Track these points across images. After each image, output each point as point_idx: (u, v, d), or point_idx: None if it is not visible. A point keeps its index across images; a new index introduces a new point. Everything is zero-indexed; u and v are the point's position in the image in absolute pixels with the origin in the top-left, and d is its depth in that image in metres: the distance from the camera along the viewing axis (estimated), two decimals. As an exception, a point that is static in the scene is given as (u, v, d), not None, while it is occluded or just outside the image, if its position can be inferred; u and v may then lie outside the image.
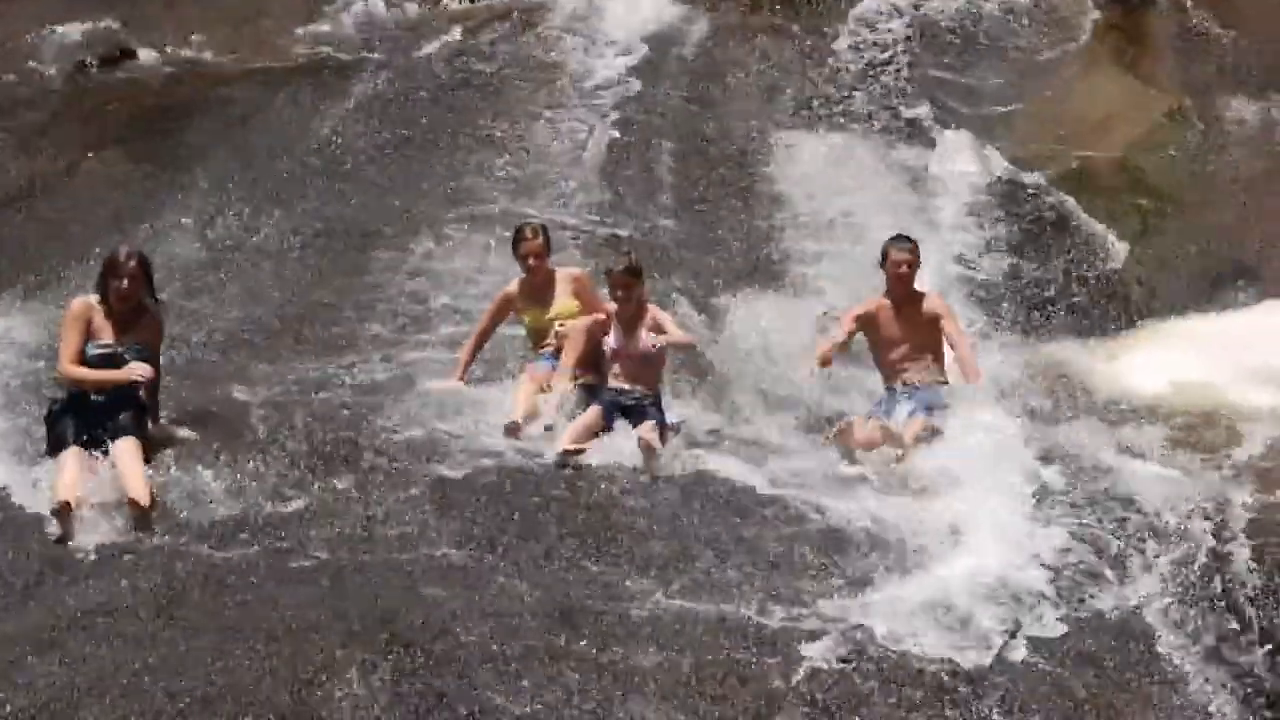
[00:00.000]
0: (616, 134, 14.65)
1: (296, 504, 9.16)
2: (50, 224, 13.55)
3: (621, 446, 9.79)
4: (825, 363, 10.45)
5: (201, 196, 13.77)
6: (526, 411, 10.23)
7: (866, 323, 10.64)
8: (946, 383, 10.43)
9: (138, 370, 9.49)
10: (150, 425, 9.62)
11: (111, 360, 9.52)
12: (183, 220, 13.40)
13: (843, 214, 13.38)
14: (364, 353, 11.58)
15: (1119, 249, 12.94)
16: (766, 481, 9.55)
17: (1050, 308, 12.49)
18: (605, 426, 10.00)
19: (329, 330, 11.99)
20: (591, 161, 14.32)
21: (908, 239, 10.75)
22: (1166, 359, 11.36)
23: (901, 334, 10.51)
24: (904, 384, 10.41)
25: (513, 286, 10.98)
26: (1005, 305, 12.48)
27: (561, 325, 10.64)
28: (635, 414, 9.99)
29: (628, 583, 8.47)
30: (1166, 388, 10.94)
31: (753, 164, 14.19)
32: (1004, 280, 12.75)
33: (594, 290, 10.87)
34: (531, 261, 10.82)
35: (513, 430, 10.06)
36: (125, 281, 9.57)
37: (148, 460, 9.26)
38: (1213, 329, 11.60)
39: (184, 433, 9.84)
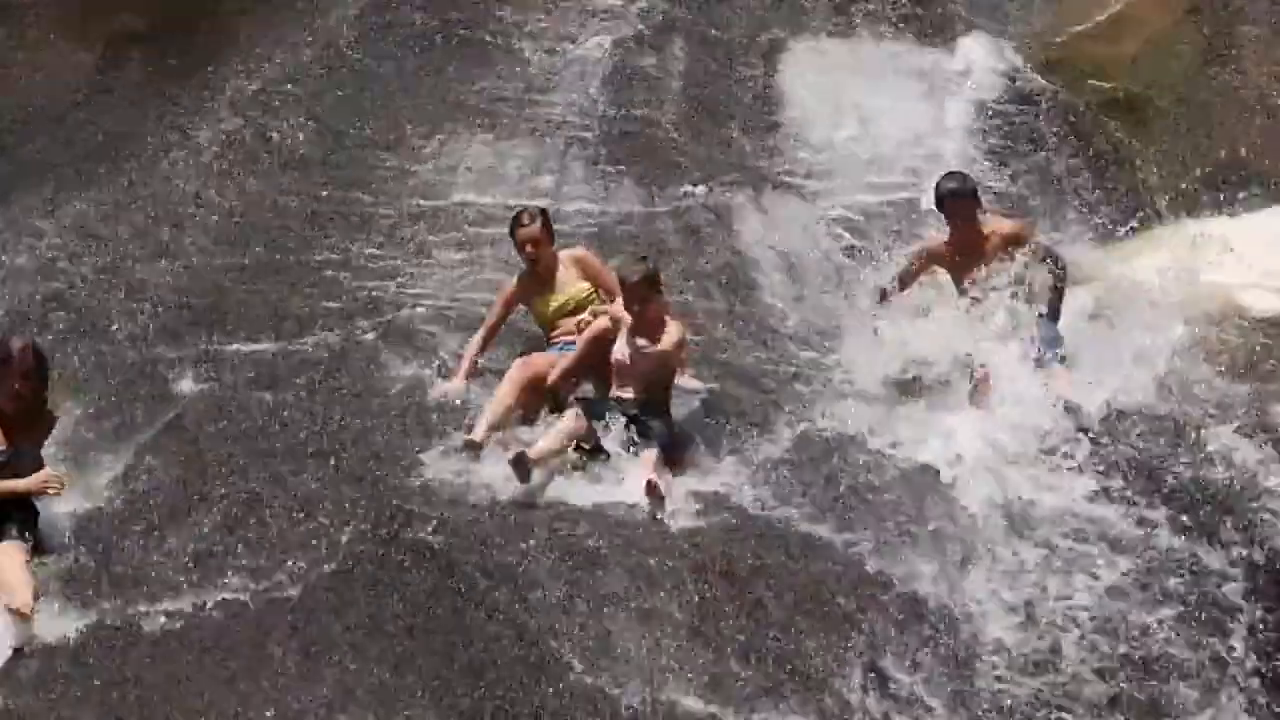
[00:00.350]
0: (624, 38, 14.51)
1: (246, 550, 8.53)
2: (62, 135, 13.43)
3: (620, 484, 8.87)
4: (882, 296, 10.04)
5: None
6: (495, 422, 9.27)
7: (935, 261, 10.18)
8: (1043, 313, 9.88)
9: (52, 485, 8.71)
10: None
11: (4, 468, 8.68)
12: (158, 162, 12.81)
13: (859, 118, 13.33)
14: (316, 334, 10.72)
15: (1131, 151, 12.91)
16: (794, 521, 8.59)
17: (1062, 210, 12.47)
18: (591, 437, 9.13)
19: (282, 311, 11.04)
20: (598, 61, 14.18)
21: (959, 175, 10.37)
22: (1178, 262, 11.33)
23: (977, 269, 9.93)
24: None
25: (513, 282, 10.18)
26: (1017, 207, 12.44)
27: (590, 315, 9.77)
28: (638, 426, 9.13)
29: (612, 682, 7.54)
30: (1178, 291, 10.93)
31: (765, 66, 14.10)
32: (1016, 182, 12.73)
33: (602, 264, 10.14)
34: (529, 250, 9.98)
35: (472, 448, 9.14)
36: (18, 382, 8.74)
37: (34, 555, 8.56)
38: (1224, 232, 11.56)
39: (104, 480, 9.12)
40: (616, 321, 9.41)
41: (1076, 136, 13.15)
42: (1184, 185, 12.54)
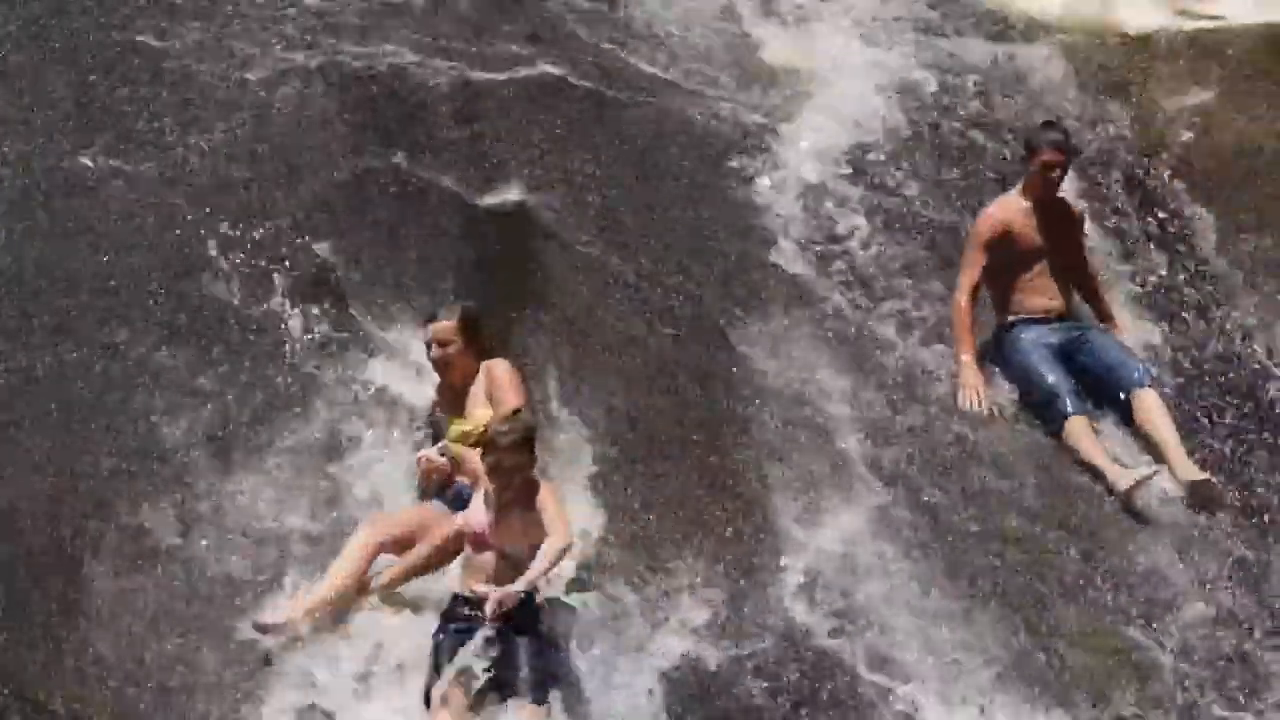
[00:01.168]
0: None
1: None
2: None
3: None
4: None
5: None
6: (316, 604, 7.01)
7: (1008, 237, 8.32)
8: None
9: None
10: None
11: None
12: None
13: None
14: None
15: None
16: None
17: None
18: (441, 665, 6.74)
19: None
20: None
21: (1058, 130, 8.58)
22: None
23: (1041, 249, 8.34)
24: (1045, 313, 8.32)
25: (433, 389, 7.99)
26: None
27: (444, 448, 7.57)
28: (501, 649, 6.67)
29: None
30: (1056, 6, 10.96)
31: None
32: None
33: (509, 383, 7.67)
34: (435, 351, 7.71)
35: (267, 630, 6.96)
36: None
37: None
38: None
39: None
40: (476, 480, 7.20)
41: None
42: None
